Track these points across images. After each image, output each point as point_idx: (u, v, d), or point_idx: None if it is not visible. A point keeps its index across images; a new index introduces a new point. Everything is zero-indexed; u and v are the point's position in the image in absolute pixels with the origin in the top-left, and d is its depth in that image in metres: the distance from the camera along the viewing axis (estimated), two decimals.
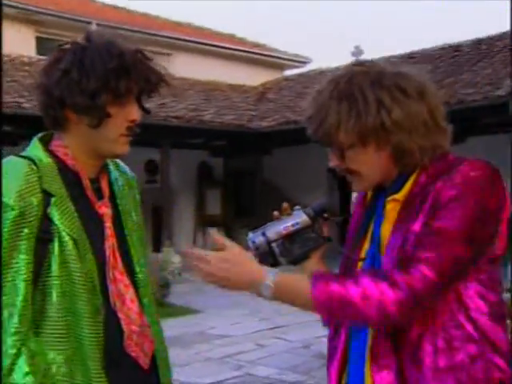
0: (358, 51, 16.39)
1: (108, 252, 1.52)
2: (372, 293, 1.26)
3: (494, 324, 1.35)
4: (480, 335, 1.33)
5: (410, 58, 13.68)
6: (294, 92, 15.00)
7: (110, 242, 1.53)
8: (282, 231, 1.46)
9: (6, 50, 13.62)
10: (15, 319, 1.38)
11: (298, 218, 1.47)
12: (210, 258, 1.34)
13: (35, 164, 1.44)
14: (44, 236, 1.41)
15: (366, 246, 1.45)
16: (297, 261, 1.51)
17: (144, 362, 1.55)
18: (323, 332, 5.24)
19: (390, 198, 1.41)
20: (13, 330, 1.37)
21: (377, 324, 1.31)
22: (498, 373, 1.34)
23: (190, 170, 14.95)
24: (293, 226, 1.46)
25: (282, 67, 18.82)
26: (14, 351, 1.36)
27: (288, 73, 18.54)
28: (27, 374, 1.36)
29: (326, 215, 1.50)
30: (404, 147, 1.35)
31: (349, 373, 1.45)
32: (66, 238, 1.42)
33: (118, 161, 1.73)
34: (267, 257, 1.46)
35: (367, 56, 16.08)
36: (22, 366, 1.36)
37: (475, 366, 1.32)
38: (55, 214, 1.43)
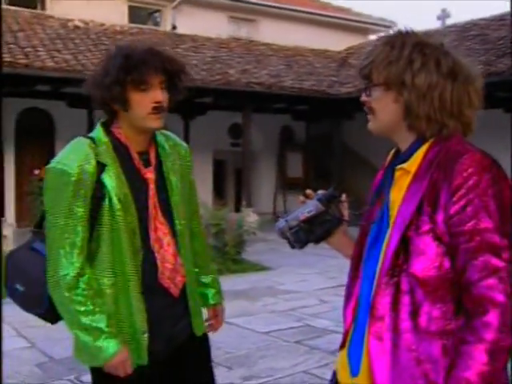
0: (444, 14, 15.99)
1: (150, 207, 1.94)
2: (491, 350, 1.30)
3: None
4: None
5: (501, 20, 13.19)
6: None
7: (152, 200, 1.94)
8: (300, 217, 1.66)
9: (100, 20, 14.45)
10: (75, 254, 1.83)
11: (312, 206, 1.66)
12: None
13: (94, 142, 1.90)
14: (98, 195, 1.85)
15: (378, 209, 1.54)
16: (319, 239, 1.70)
17: (174, 291, 1.97)
18: None
19: (398, 167, 1.50)
20: (73, 261, 1.83)
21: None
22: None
23: (273, 134, 15.32)
24: (308, 212, 1.65)
25: (366, 32, 18.65)
26: (73, 275, 1.82)
27: (372, 37, 18.36)
28: (84, 289, 1.82)
29: (336, 200, 1.67)
30: (412, 108, 1.44)
31: (357, 318, 1.55)
32: (114, 197, 1.86)
33: (169, 135, 2.11)
34: (292, 241, 1.68)
35: (454, 20, 15.64)
36: (81, 285, 1.82)
37: None
38: (106, 179, 1.86)
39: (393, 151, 1.59)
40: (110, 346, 1.84)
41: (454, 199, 1.35)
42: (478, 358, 1.29)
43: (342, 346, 1.59)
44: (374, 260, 1.50)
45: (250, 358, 4.66)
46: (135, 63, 1.84)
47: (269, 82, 12.56)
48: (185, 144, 2.17)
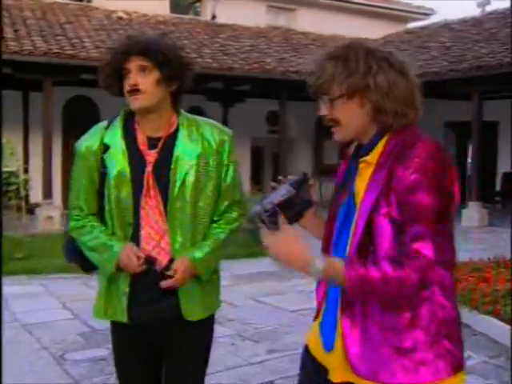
0: (484, 1, 15.84)
1: (145, 186, 2.04)
2: (392, 277, 1.47)
3: (446, 270, 1.56)
4: (433, 284, 1.54)
5: None
6: (413, 46, 14.89)
7: (147, 179, 2.04)
8: (274, 201, 1.78)
9: (142, 11, 14.85)
10: (77, 210, 2.12)
11: (284, 190, 1.79)
12: (277, 238, 1.57)
13: (108, 126, 2.11)
14: (102, 171, 2.07)
15: (345, 198, 1.68)
16: (291, 221, 1.80)
17: (158, 265, 2.05)
18: None
19: (362, 159, 1.63)
20: (76, 216, 2.12)
21: (394, 299, 1.54)
22: (441, 312, 1.57)
23: (309, 121, 15.44)
24: (282, 196, 1.78)
25: (405, 20, 18.52)
26: (78, 226, 2.12)
27: (411, 25, 18.25)
28: (84, 225, 2.11)
29: (309, 182, 1.82)
30: (380, 106, 1.57)
31: (328, 296, 1.71)
32: (110, 174, 2.05)
33: (201, 121, 2.15)
34: (267, 222, 1.77)
35: (494, 7, 15.50)
36: (84, 222, 2.12)
37: (423, 306, 1.55)
38: (107, 158, 2.06)
39: (355, 144, 1.70)
40: (114, 247, 2.06)
41: (405, 179, 1.49)
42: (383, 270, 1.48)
43: (316, 319, 1.76)
44: (343, 243, 1.64)
45: (277, 333, 4.88)
46: (114, 54, 2.05)
47: (306, 70, 12.71)
48: (224, 132, 2.17)
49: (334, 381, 1.66)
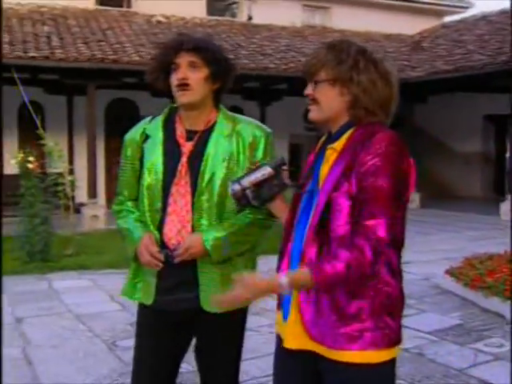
0: None
1: (177, 175, 2.11)
2: (351, 263, 1.59)
3: (394, 251, 1.68)
4: (381, 258, 1.65)
5: None
6: (450, 40, 14.83)
7: (182, 169, 2.12)
8: (252, 180, 1.84)
9: (180, 14, 15.17)
10: (120, 196, 2.26)
11: (264, 170, 1.85)
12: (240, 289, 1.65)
13: (151, 120, 2.23)
14: (142, 159, 2.19)
15: (309, 183, 1.79)
16: (265, 202, 1.89)
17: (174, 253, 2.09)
18: (442, 268, 6.10)
19: (329, 146, 1.75)
20: (120, 199, 2.26)
21: (357, 282, 1.65)
22: (386, 288, 1.68)
23: None
24: (262, 176, 1.84)
25: (441, 14, 18.37)
26: (117, 209, 2.27)
27: (448, 19, 18.12)
28: (122, 210, 2.25)
29: (284, 167, 1.89)
30: (357, 100, 1.71)
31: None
32: (145, 162, 2.17)
33: (239, 118, 2.22)
34: (242, 200, 1.87)
35: None
36: (124, 206, 2.25)
37: (371, 280, 1.66)
38: (146, 148, 2.18)
39: (325, 136, 1.84)
40: (135, 233, 2.17)
41: (365, 163, 1.62)
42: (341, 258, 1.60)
43: (279, 305, 1.86)
44: (304, 223, 1.75)
45: None
46: (164, 48, 2.15)
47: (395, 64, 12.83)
48: (260, 129, 2.21)
49: (288, 347, 1.79)
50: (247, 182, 1.84)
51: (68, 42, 11.58)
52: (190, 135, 2.16)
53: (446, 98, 14.19)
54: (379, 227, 1.59)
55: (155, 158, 2.15)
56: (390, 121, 1.79)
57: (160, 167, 2.14)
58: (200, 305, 2.12)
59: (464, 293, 5.80)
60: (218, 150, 2.13)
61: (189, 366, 3.35)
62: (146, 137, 2.20)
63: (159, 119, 2.22)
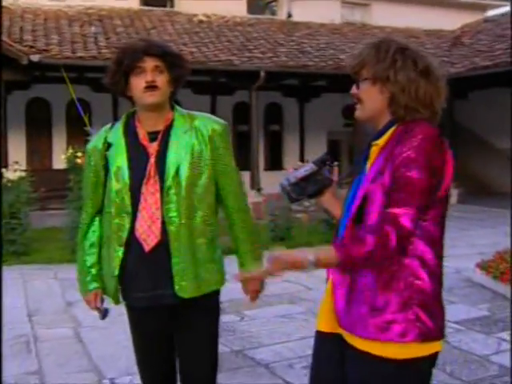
0: None
1: (147, 174, 2.18)
2: (376, 244, 1.59)
3: (428, 247, 1.70)
4: (412, 252, 1.68)
5: None
6: (491, 35, 14.64)
7: (150, 168, 2.19)
8: (298, 176, 1.95)
9: (221, 12, 15.46)
10: (87, 203, 2.34)
11: (308, 166, 1.95)
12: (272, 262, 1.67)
13: (111, 127, 2.31)
14: (106, 166, 2.25)
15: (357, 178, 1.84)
16: (311, 196, 1.99)
17: (146, 247, 2.18)
18: (475, 263, 6.21)
19: (373, 143, 1.79)
20: (87, 209, 2.34)
21: (380, 265, 1.67)
22: (417, 281, 1.69)
23: None
24: (305, 171, 1.94)
25: (484, 8, 18.11)
26: (86, 223, 2.35)
27: (491, 13, 17.88)
28: (88, 238, 2.35)
29: (331, 164, 1.98)
30: (395, 98, 1.73)
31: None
32: (111, 168, 2.22)
33: (195, 115, 2.30)
34: (290, 194, 1.97)
35: None
36: (89, 234, 2.35)
37: (400, 273, 1.69)
38: (110, 155, 2.24)
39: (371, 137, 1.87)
40: (90, 284, 2.34)
41: (400, 155, 1.65)
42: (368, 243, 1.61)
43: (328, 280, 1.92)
44: (347, 216, 1.81)
45: None
46: (126, 53, 2.19)
47: (440, 59, 12.90)
48: (216, 122, 2.33)
49: (320, 329, 1.91)
50: (293, 177, 1.95)
51: (114, 42, 12.00)
52: (151, 136, 2.24)
53: (487, 93, 14.07)
54: (404, 216, 1.61)
55: (120, 163, 2.22)
56: (438, 116, 1.80)
57: (126, 171, 2.21)
58: (177, 294, 2.19)
59: (494, 285, 5.93)
60: (179, 145, 2.22)
61: None
62: (108, 145, 2.27)
63: (119, 126, 2.30)
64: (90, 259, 2.35)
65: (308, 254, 1.65)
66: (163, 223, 2.18)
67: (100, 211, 2.34)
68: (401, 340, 1.67)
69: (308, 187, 1.95)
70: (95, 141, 2.34)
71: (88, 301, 2.37)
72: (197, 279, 2.22)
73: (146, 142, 2.23)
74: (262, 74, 11.75)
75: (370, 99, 1.78)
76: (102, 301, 2.38)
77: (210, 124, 2.29)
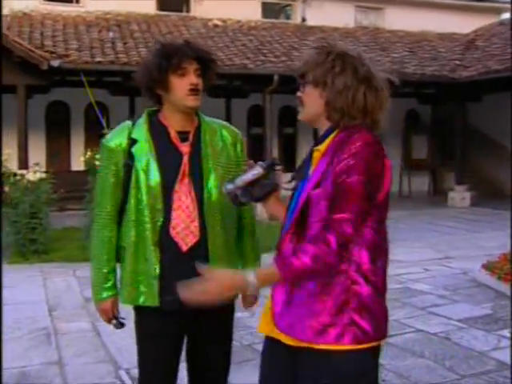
0: None
1: (180, 174, 2.16)
2: (317, 254, 1.62)
3: (363, 250, 1.71)
4: (348, 257, 1.68)
5: None
6: (505, 38, 14.62)
7: (184, 168, 2.18)
8: (244, 180, 1.90)
9: (236, 17, 15.62)
10: (103, 209, 2.23)
11: (256, 171, 1.90)
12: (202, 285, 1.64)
13: (133, 124, 2.22)
14: (129, 163, 2.17)
15: (299, 183, 1.83)
16: (258, 200, 1.95)
17: (183, 247, 2.15)
18: (480, 263, 6.16)
19: (315, 148, 1.80)
20: (104, 209, 2.23)
21: (324, 274, 1.67)
22: (354, 286, 1.69)
23: (398, 117, 15.56)
24: (252, 175, 1.90)
25: (498, 11, 18.02)
26: (98, 228, 2.25)
27: (506, 16, 17.82)
28: (105, 238, 2.24)
29: (275, 168, 1.94)
30: (330, 103, 1.74)
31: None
32: (138, 165, 2.16)
33: (215, 120, 2.32)
34: (235, 199, 1.94)
35: None
36: (106, 233, 2.24)
37: (336, 278, 1.69)
38: (135, 151, 2.18)
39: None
40: (104, 292, 2.26)
41: (340, 162, 1.65)
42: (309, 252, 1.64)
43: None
44: (290, 221, 1.80)
45: None
46: (174, 51, 2.15)
47: (390, 69, 13.06)
48: (234, 129, 2.37)
49: (260, 332, 1.91)
50: (240, 181, 1.92)
51: (131, 47, 12.27)
52: (182, 136, 2.23)
53: (502, 97, 14.07)
54: (345, 222, 1.63)
55: (150, 160, 2.18)
56: (380, 125, 1.80)
57: (157, 169, 2.17)
58: None
59: (497, 286, 6.06)
60: (211, 147, 2.25)
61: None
62: (132, 141, 2.21)
63: (142, 123, 2.24)
64: (108, 266, 2.28)
65: (246, 275, 1.65)
66: (201, 222, 2.19)
67: (118, 214, 2.26)
68: (335, 342, 1.69)
69: (255, 191, 1.93)
70: (116, 137, 2.24)
71: (105, 309, 2.30)
72: None
73: (176, 140, 2.22)
74: (276, 77, 11.93)
75: (311, 102, 1.80)
76: (118, 309, 2.34)
77: (232, 131, 2.36)
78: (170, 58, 2.12)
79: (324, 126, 1.81)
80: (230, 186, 1.93)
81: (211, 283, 1.63)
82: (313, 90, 1.78)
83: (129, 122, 2.27)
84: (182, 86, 2.14)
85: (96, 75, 11.72)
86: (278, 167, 1.95)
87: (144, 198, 2.17)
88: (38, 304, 5.82)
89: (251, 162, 2.00)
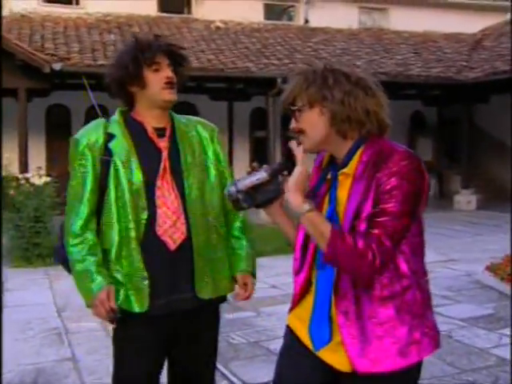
0: None
1: (161, 170, 2.12)
2: (359, 248, 1.58)
3: (418, 261, 1.72)
4: (410, 273, 1.69)
5: None
6: None
7: (164, 164, 2.14)
8: (247, 184, 1.81)
9: (238, 19, 15.53)
10: (82, 207, 2.11)
11: (260, 175, 1.81)
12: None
13: (107, 120, 2.17)
14: (105, 159, 2.11)
15: (326, 205, 1.77)
16: (259, 205, 1.87)
17: (171, 246, 2.10)
18: (484, 266, 5.99)
19: (340, 172, 1.72)
20: (81, 214, 2.11)
21: (365, 276, 1.64)
22: (419, 294, 1.71)
23: (403, 119, 15.49)
24: (256, 180, 1.80)
25: (506, 10, 17.80)
26: (80, 225, 2.10)
27: None
28: (83, 241, 2.10)
29: (281, 173, 1.83)
30: (336, 114, 1.66)
31: (316, 297, 1.78)
32: (118, 161, 2.10)
33: (190, 117, 2.31)
34: (236, 202, 1.85)
35: None
36: (86, 235, 2.11)
37: (407, 293, 1.69)
38: (113, 146, 2.12)
39: (327, 156, 1.82)
40: (94, 285, 2.06)
41: (381, 184, 1.60)
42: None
43: (291, 309, 1.92)
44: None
45: None
46: (147, 45, 2.15)
47: (395, 71, 12.91)
48: (210, 125, 2.35)
49: (290, 325, 1.90)
50: (243, 185, 1.82)
51: None
52: (158, 132, 2.20)
53: (510, 98, 13.92)
54: (385, 238, 1.59)
55: (129, 156, 2.13)
56: (389, 129, 1.75)
57: (138, 164, 2.13)
58: (198, 296, 2.15)
59: (500, 287, 6.07)
60: (189, 143, 2.23)
61: None
62: (109, 136, 2.16)
63: (117, 120, 2.21)
64: (94, 259, 2.10)
65: (306, 204, 1.65)
66: (186, 219, 2.14)
67: (94, 214, 2.15)
68: (424, 354, 1.72)
69: (258, 196, 1.84)
70: (91, 133, 2.17)
71: (101, 301, 2.04)
72: (214, 280, 2.20)
73: (154, 136, 2.19)
74: (279, 81, 11.80)
75: (312, 126, 1.71)
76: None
77: (208, 126, 2.34)
78: (144, 51, 2.13)
79: (337, 145, 1.73)
80: (231, 189, 1.84)
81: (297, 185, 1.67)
82: (310, 113, 1.70)
83: (102, 119, 2.22)
84: (157, 80, 2.14)
85: (97, 78, 11.56)
86: (284, 172, 1.82)
87: (126, 195, 2.10)
88: (47, 305, 5.93)
89: (256, 165, 1.94)
